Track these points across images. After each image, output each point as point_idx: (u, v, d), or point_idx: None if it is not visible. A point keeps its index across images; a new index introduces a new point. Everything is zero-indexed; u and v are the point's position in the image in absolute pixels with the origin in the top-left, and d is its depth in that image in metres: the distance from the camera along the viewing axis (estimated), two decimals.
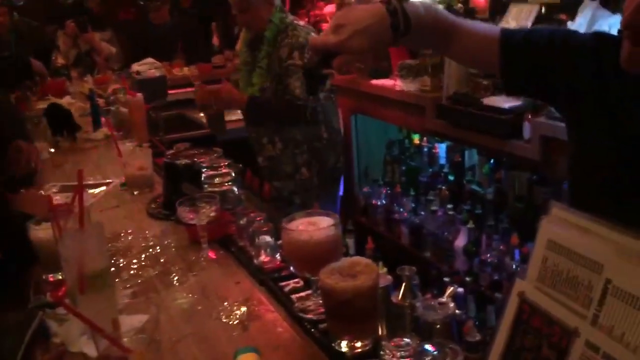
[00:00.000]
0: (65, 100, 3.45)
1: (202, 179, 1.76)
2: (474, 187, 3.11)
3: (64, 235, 1.22)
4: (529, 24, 2.71)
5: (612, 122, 1.12)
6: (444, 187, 3.22)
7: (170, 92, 4.03)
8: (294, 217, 1.28)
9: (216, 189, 1.74)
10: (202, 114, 2.97)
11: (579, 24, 2.36)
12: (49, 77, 3.86)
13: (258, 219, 1.57)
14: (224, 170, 1.77)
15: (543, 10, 2.70)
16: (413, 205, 3.40)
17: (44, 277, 1.50)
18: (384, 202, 3.62)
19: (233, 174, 1.78)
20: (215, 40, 5.10)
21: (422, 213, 3.30)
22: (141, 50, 4.24)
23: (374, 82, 3.50)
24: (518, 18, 2.79)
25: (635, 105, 1.10)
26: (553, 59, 1.20)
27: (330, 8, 4.20)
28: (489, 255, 2.70)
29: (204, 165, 1.78)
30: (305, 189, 2.95)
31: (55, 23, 4.87)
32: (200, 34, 4.82)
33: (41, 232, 1.47)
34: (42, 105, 3.25)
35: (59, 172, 2.38)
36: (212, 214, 1.54)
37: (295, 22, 2.85)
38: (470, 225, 2.84)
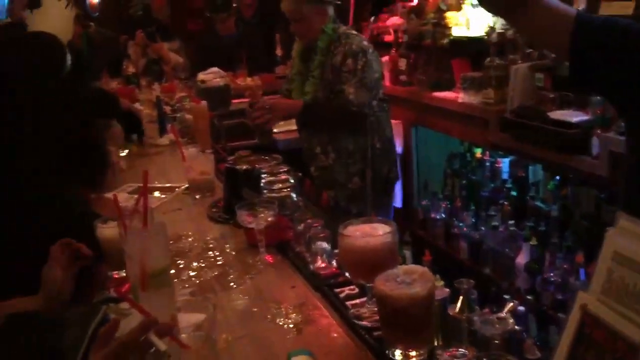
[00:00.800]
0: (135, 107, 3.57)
1: (262, 184, 1.78)
2: (538, 203, 3.02)
3: (128, 234, 1.26)
4: None
5: None
6: (506, 203, 3.14)
7: (233, 101, 4.10)
8: (351, 223, 1.28)
9: (275, 195, 1.76)
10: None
11: None
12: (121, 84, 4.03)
13: (315, 225, 1.57)
14: (283, 177, 1.79)
15: None
16: (473, 220, 3.34)
17: (109, 273, 1.55)
18: (443, 215, 3.57)
19: (292, 181, 1.80)
20: (278, 51, 5.18)
21: (483, 228, 3.23)
22: (208, 60, 4.35)
23: (436, 94, 3.47)
24: None
25: None
26: (625, 52, 1.16)
27: (393, 20, 4.19)
28: (552, 273, 2.61)
29: (263, 171, 1.81)
30: (358, 198, 2.93)
31: (127, 33, 5.07)
32: (263, 45, 4.90)
33: (107, 231, 1.53)
34: None
35: (127, 176, 2.46)
36: (270, 219, 1.56)
37: (348, 31, 2.87)
38: (533, 242, 2.76)
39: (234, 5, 4.89)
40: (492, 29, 3.13)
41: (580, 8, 2.87)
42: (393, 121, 3.87)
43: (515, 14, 1.24)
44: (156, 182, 2.27)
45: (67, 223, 1.59)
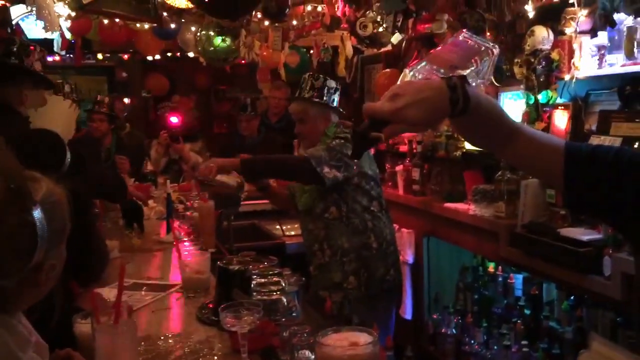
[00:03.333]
0: (149, 204, 3.62)
1: (252, 286, 1.73)
2: (552, 323, 2.88)
3: (97, 331, 1.21)
4: None
5: None
6: (519, 321, 3.01)
7: (247, 202, 4.13)
8: (332, 330, 1.22)
9: (265, 297, 1.70)
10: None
11: None
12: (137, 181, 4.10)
13: (301, 332, 1.50)
14: (274, 279, 1.73)
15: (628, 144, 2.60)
16: (485, 337, 3.19)
17: None
18: (454, 331, 3.42)
19: (283, 284, 1.74)
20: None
21: (495, 347, 3.08)
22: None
23: (448, 205, 3.44)
24: None
25: None
26: (619, 178, 1.12)
27: None
28: None
29: (255, 272, 1.76)
30: (353, 298, 2.82)
31: (152, 134, 5.25)
32: (282, 149, 5.00)
33: (84, 326, 1.47)
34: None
35: (126, 270, 2.43)
36: (254, 323, 1.49)
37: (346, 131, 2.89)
38: None
39: (259, 109, 5.08)
40: None
41: (592, 127, 2.89)
42: (405, 230, 3.84)
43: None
44: (149, 281, 2.23)
45: (46, 316, 1.54)
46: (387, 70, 5.03)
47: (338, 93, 2.98)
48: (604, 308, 2.59)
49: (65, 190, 1.18)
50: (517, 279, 3.28)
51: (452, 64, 1.37)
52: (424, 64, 1.44)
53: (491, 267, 3.47)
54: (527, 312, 3.09)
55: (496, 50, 1.52)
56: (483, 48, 1.50)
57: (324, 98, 2.89)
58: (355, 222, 2.79)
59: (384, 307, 2.90)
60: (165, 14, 4.04)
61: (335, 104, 2.96)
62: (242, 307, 1.52)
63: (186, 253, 2.16)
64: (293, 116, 2.99)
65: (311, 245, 2.90)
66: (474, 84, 1.30)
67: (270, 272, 1.77)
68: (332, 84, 2.93)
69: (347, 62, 4.89)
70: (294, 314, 1.82)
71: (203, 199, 2.85)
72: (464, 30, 1.91)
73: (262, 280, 1.74)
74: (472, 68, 1.37)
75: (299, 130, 2.96)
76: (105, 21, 5.02)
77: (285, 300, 1.74)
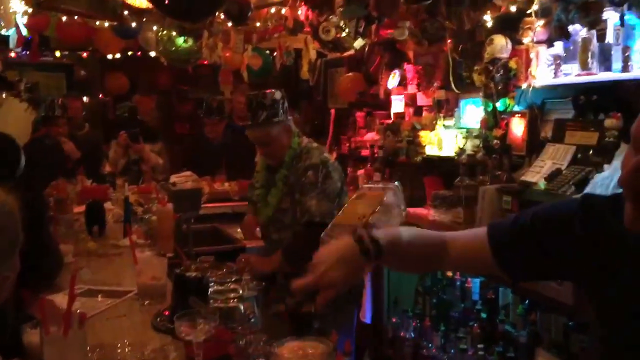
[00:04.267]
0: (106, 206, 3.54)
1: (209, 293, 1.71)
2: (508, 327, 2.94)
3: (46, 342, 1.18)
4: (565, 164, 2.68)
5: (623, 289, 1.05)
6: (475, 325, 3.06)
7: (209, 205, 4.09)
8: (287, 340, 1.21)
9: (222, 305, 1.68)
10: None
11: (615, 167, 2.30)
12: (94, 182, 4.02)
13: (257, 340, 1.49)
14: (231, 286, 1.72)
15: (579, 154, 2.67)
16: (442, 341, 3.23)
17: None
18: (412, 335, 3.45)
19: (241, 291, 1.72)
20: (257, 158, 5.25)
21: (452, 351, 3.12)
22: (190, 163, 4.39)
23: (408, 209, 3.47)
24: (554, 158, 2.76)
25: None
26: (541, 242, 1.17)
27: (370, 135, 4.30)
28: None
29: (212, 279, 1.74)
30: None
31: (111, 134, 5.14)
32: (246, 152, 4.97)
33: (33, 336, 1.43)
34: (80, 209, 3.34)
35: (80, 275, 2.37)
36: (210, 331, 1.47)
37: (309, 144, 2.86)
38: None
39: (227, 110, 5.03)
40: (462, 150, 3.19)
41: (548, 135, 2.96)
42: None
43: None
44: (105, 287, 2.18)
45: None
46: (350, 73, 5.07)
47: (285, 99, 2.83)
48: (557, 312, 2.66)
49: (17, 199, 1.15)
50: (475, 283, 3.33)
51: (359, 215, 1.48)
52: (332, 226, 1.55)
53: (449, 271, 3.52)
54: (483, 315, 3.13)
55: (394, 185, 1.66)
56: (382, 189, 1.62)
57: (280, 113, 2.76)
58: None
59: (348, 310, 2.91)
60: (126, 12, 3.97)
61: (287, 111, 2.84)
62: (197, 316, 1.50)
63: (142, 258, 2.12)
64: (254, 142, 2.88)
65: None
66: (389, 222, 1.44)
67: (228, 280, 1.75)
68: (278, 95, 2.78)
69: (311, 65, 4.89)
70: (252, 320, 1.81)
71: (162, 203, 2.80)
72: (363, 185, 2.12)
73: (220, 287, 1.72)
74: (378, 209, 1.47)
75: (263, 152, 2.88)
76: (64, 18, 4.90)
77: (242, 307, 1.73)
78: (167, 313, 1.89)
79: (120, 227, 3.18)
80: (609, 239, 1.07)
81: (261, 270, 2.65)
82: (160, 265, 2.07)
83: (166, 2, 2.13)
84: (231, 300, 1.71)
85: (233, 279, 1.76)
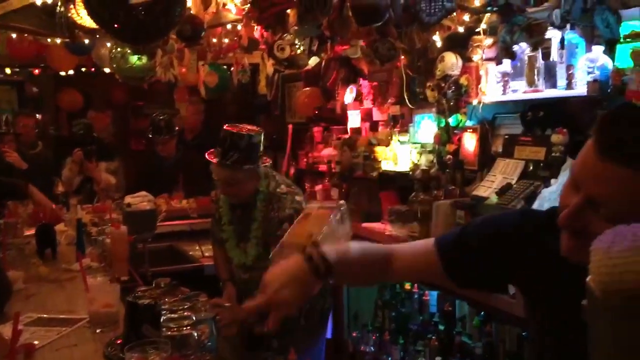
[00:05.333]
0: (58, 228, 3.46)
1: (162, 321, 1.69)
2: (464, 339, 2.99)
3: None
4: (515, 179, 2.75)
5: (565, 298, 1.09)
6: (433, 337, 3.10)
7: (166, 223, 4.04)
8: None
9: (175, 333, 1.66)
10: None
11: (560, 182, 2.38)
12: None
13: None
14: (185, 313, 1.70)
15: (530, 167, 2.74)
16: (402, 354, 3.27)
17: None
18: (372, 349, 3.48)
19: (194, 318, 1.71)
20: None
21: None
22: (146, 181, 4.33)
23: (365, 224, 3.51)
24: (504, 172, 2.83)
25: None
26: (489, 253, 1.21)
27: (328, 151, 4.32)
28: None
29: (164, 307, 1.72)
30: (291, 329, 2.80)
31: (66, 152, 5.04)
32: (201, 168, 4.94)
33: None
34: (30, 231, 3.26)
35: (29, 304, 2.31)
36: None
37: (279, 190, 2.72)
38: None
39: (177, 128, 4.96)
40: (416, 165, 3.24)
41: (498, 150, 3.03)
42: None
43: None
44: (58, 313, 2.13)
45: None
46: (307, 88, 5.09)
47: (262, 138, 2.70)
48: (511, 324, 2.72)
49: None
50: (432, 296, 3.39)
51: (307, 234, 1.49)
52: (281, 246, 1.57)
53: (407, 284, 3.56)
54: (441, 327, 3.18)
55: (340, 203, 1.68)
56: (329, 209, 1.65)
57: (253, 158, 2.63)
58: None
59: (320, 333, 2.92)
60: (77, 30, 3.90)
61: (260, 156, 2.70)
62: (149, 346, 1.48)
63: (94, 286, 2.08)
64: (217, 179, 2.75)
65: (248, 291, 2.61)
66: (336, 241, 1.44)
67: (181, 307, 1.73)
68: (255, 138, 2.62)
69: (268, 80, 4.89)
70: (208, 344, 1.79)
71: (115, 225, 2.76)
72: (310, 205, 2.13)
73: (173, 315, 1.70)
74: (325, 229, 1.49)
75: (228, 192, 2.77)
76: (14, 35, 4.79)
77: (196, 334, 1.71)
78: (119, 342, 1.86)
79: (73, 249, 3.11)
80: (545, 254, 1.12)
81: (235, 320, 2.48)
82: (112, 292, 2.03)
83: (115, 25, 2.11)
84: (184, 328, 1.69)
85: (186, 306, 1.74)
